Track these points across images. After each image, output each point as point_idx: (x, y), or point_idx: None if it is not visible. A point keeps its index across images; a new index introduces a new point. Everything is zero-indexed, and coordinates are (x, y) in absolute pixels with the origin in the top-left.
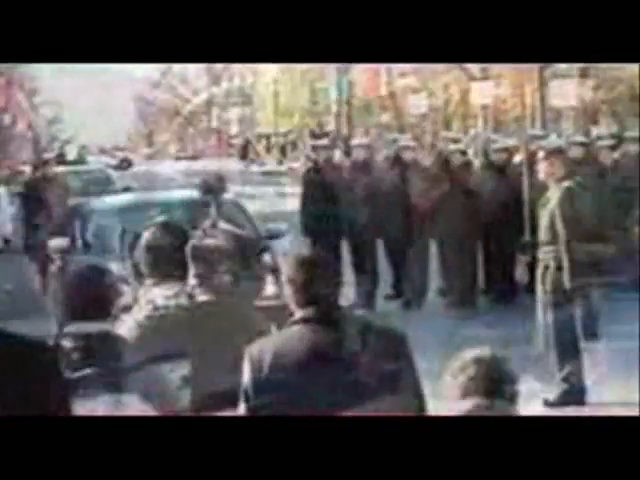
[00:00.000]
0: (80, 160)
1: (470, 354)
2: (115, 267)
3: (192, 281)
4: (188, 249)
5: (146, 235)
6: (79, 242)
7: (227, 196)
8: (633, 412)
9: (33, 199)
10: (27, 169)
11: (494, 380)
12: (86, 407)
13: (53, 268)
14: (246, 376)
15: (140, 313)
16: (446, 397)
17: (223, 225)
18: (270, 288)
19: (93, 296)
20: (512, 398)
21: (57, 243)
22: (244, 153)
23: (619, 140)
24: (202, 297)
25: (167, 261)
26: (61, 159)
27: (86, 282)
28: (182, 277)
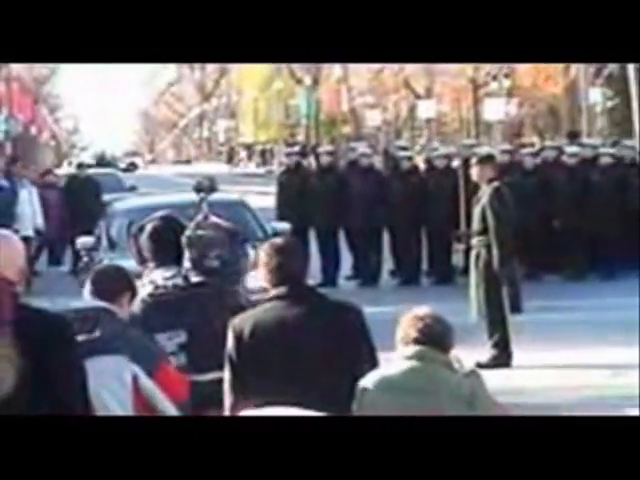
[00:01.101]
0: (114, 164)
1: (418, 312)
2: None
3: (187, 265)
4: (184, 238)
5: (149, 227)
6: (104, 240)
7: (235, 196)
8: (565, 379)
9: (68, 197)
10: (53, 171)
11: (435, 334)
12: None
13: (81, 263)
14: (230, 343)
15: (144, 291)
16: (396, 344)
17: (213, 219)
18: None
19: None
20: (448, 348)
21: (84, 241)
22: (229, 158)
23: (540, 148)
24: (195, 278)
25: (166, 248)
26: (101, 161)
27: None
28: (178, 261)
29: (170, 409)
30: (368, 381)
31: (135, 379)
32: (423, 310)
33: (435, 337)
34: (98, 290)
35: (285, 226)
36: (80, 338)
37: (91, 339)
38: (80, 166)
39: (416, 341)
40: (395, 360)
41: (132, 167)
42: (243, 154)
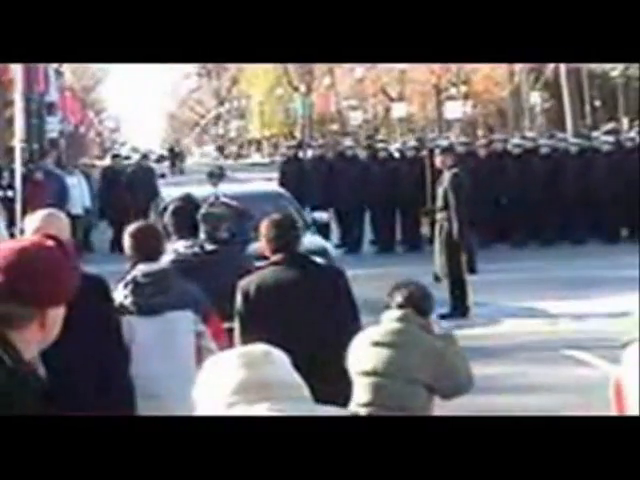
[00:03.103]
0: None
1: (403, 280)
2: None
3: (202, 236)
4: (200, 215)
5: (171, 206)
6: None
7: (275, 188)
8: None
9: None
10: (97, 162)
11: (416, 299)
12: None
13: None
14: (238, 301)
15: (168, 257)
16: (383, 307)
17: (224, 199)
18: None
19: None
20: (427, 312)
21: None
22: (220, 150)
23: (490, 141)
24: (209, 247)
25: (185, 223)
26: (171, 152)
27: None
28: (196, 234)
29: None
30: (359, 338)
31: (198, 329)
32: (408, 279)
33: (416, 302)
34: (155, 248)
35: (323, 215)
36: (158, 298)
37: (166, 298)
38: (116, 156)
39: (400, 305)
40: (383, 321)
41: (161, 159)
42: (233, 148)
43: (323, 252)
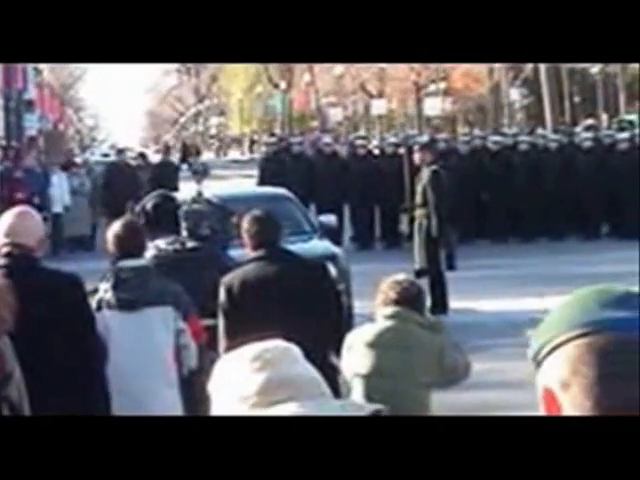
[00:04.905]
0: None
1: (397, 277)
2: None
3: (184, 233)
4: (181, 211)
5: (151, 202)
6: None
7: (281, 190)
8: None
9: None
10: (77, 160)
11: (411, 295)
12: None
13: None
14: (222, 297)
15: (149, 253)
16: (377, 305)
17: (205, 196)
18: None
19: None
20: (421, 309)
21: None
22: (166, 151)
23: (471, 137)
24: (190, 244)
25: (167, 219)
26: (185, 150)
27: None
28: (177, 230)
29: (194, 351)
30: (353, 337)
31: (177, 327)
32: (401, 275)
33: (411, 298)
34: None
35: (331, 219)
36: (138, 294)
37: (146, 294)
38: (120, 152)
39: (395, 302)
40: (377, 319)
41: (140, 156)
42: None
43: (332, 258)
